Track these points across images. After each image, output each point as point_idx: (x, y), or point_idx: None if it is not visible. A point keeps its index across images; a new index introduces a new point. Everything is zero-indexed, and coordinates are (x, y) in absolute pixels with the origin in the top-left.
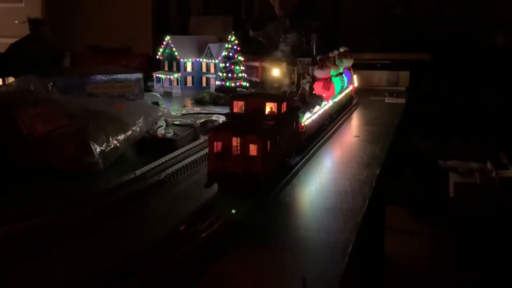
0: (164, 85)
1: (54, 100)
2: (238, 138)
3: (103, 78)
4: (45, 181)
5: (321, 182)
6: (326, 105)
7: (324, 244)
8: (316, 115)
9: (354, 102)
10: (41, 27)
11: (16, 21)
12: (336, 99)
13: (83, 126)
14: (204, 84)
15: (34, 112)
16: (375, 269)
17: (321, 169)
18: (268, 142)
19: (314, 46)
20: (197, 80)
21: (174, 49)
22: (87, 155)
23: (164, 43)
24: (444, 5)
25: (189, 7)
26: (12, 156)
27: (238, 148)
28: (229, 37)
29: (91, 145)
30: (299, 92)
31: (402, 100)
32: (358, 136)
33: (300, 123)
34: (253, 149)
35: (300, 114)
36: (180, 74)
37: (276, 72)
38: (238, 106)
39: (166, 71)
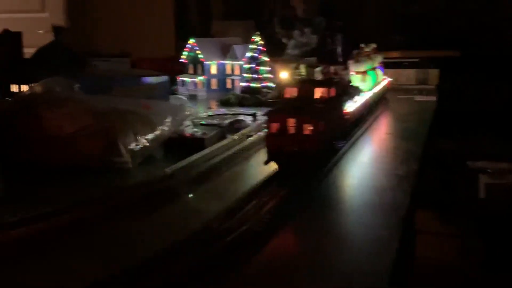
0: (189, 88)
1: (80, 99)
2: (294, 119)
3: (130, 80)
4: (72, 179)
5: (358, 177)
6: (366, 95)
7: (369, 240)
8: (358, 104)
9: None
10: (64, 34)
11: (40, 31)
12: (374, 91)
13: (110, 125)
14: (229, 86)
15: (60, 112)
16: (405, 271)
17: (357, 163)
18: (321, 122)
19: (339, 46)
20: (222, 82)
21: (198, 51)
22: (115, 154)
23: (189, 46)
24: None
25: (210, 12)
26: (37, 156)
27: (294, 128)
28: (254, 37)
29: (119, 143)
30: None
31: (432, 98)
32: (390, 133)
33: (345, 110)
34: (307, 129)
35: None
36: (205, 76)
37: (283, 74)
38: (290, 92)
39: (190, 74)
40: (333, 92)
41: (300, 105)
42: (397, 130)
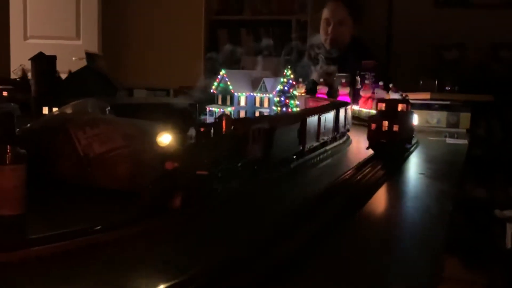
0: None
1: (111, 120)
2: (387, 121)
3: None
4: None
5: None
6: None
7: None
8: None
9: (414, 140)
10: (97, 61)
11: (73, 58)
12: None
13: (138, 148)
14: None
15: (92, 132)
16: None
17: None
18: (402, 125)
19: (369, 83)
20: (250, 114)
21: (228, 83)
22: (141, 176)
23: (219, 77)
24: (500, 48)
25: (240, 49)
26: (66, 176)
27: (386, 127)
28: (285, 71)
29: (146, 167)
30: None
31: (464, 141)
32: (423, 174)
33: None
34: (395, 128)
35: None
36: (233, 108)
37: None
38: (381, 105)
39: (219, 104)
40: (408, 108)
41: (389, 114)
42: (429, 171)
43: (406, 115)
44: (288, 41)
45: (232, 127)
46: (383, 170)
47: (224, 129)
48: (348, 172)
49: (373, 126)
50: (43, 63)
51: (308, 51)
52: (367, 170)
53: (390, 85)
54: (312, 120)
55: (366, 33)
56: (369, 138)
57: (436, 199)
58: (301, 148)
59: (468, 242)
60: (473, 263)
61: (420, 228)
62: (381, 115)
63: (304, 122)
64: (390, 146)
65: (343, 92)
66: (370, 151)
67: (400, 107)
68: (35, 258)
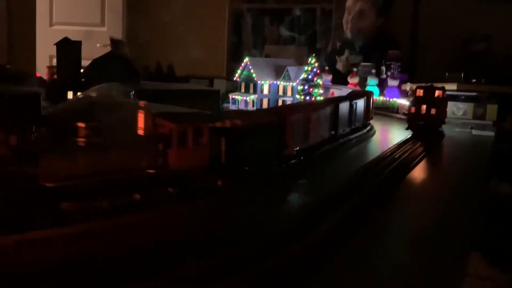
0: (239, 106)
1: (136, 105)
2: (425, 105)
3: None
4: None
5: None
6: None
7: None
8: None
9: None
10: (122, 47)
11: (98, 44)
12: None
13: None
14: None
15: (117, 116)
16: None
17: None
18: (438, 109)
19: (395, 74)
20: (273, 102)
21: (252, 71)
22: None
23: (243, 64)
24: None
25: (264, 37)
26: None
27: (425, 110)
28: (310, 59)
29: None
30: None
31: (490, 133)
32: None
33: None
34: (433, 111)
35: None
36: (256, 96)
37: None
38: (419, 92)
39: (242, 92)
40: (444, 94)
41: (427, 99)
42: (456, 163)
43: (442, 100)
44: (313, 30)
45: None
46: (422, 147)
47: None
48: (390, 149)
49: (413, 109)
50: (69, 48)
51: (332, 40)
52: (408, 147)
53: (388, 73)
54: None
55: (393, 25)
56: (409, 120)
57: (461, 194)
58: (333, 133)
59: (491, 238)
60: (496, 260)
61: (445, 224)
62: (419, 100)
63: (336, 108)
64: (428, 128)
65: (352, 82)
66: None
67: (437, 93)
68: None
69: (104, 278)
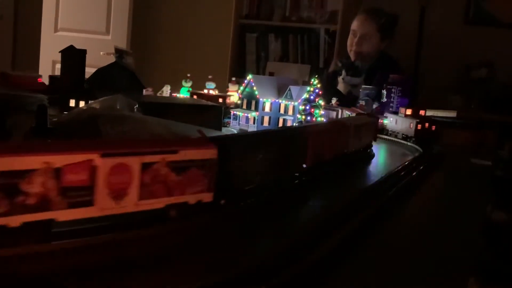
0: (240, 122)
1: (139, 119)
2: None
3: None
4: None
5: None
6: None
7: None
8: None
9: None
10: (126, 57)
11: (101, 53)
12: None
13: None
14: (280, 125)
15: (119, 129)
16: None
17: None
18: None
19: (395, 98)
20: (274, 120)
21: (254, 88)
22: None
23: (245, 81)
24: None
25: (267, 54)
26: None
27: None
28: (312, 80)
29: None
30: None
31: (488, 163)
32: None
33: None
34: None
35: None
36: (257, 113)
37: None
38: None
39: (244, 109)
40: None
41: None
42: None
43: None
44: (316, 50)
45: None
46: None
47: None
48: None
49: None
50: (73, 56)
51: (335, 62)
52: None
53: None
54: None
55: (396, 49)
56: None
57: (461, 220)
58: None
59: (489, 264)
60: (494, 285)
61: (445, 248)
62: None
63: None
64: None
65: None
66: None
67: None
68: None
69: None
